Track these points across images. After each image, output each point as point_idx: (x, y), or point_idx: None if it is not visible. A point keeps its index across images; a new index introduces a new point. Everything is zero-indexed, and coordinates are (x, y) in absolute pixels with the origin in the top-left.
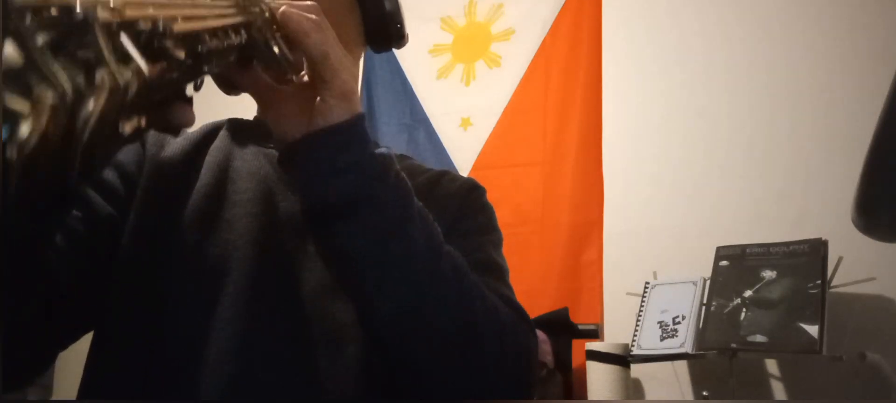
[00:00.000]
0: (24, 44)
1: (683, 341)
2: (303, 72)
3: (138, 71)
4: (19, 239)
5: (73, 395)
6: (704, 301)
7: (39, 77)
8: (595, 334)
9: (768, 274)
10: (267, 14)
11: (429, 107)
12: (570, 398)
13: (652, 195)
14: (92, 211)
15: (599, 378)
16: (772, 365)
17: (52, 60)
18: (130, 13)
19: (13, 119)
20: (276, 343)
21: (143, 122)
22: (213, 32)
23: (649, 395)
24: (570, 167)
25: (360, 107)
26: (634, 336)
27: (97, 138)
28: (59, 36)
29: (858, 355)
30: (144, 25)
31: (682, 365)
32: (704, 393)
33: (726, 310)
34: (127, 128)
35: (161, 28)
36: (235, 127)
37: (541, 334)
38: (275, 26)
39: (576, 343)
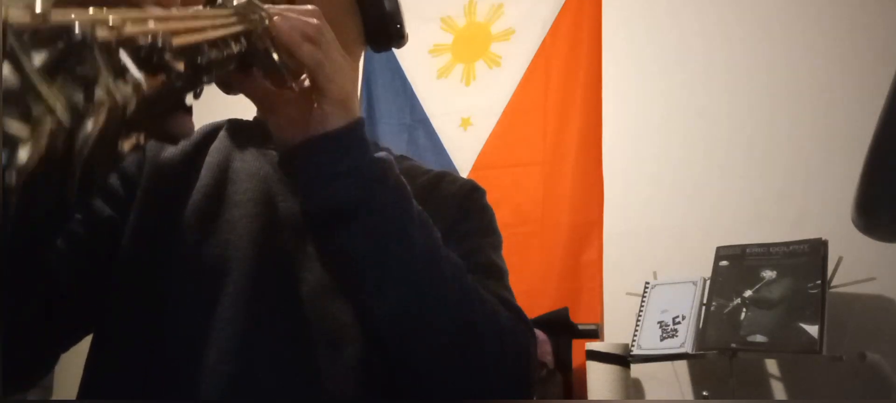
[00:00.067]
0: (20, 66)
1: (683, 341)
2: (303, 77)
3: (137, 87)
4: (19, 245)
5: (73, 395)
6: (704, 301)
7: (37, 100)
8: (595, 334)
9: (768, 274)
10: (267, 22)
11: (429, 107)
12: (570, 398)
13: (652, 195)
14: (92, 213)
15: (599, 378)
16: (772, 365)
17: (49, 83)
18: (130, 30)
19: (12, 143)
20: (275, 343)
21: (142, 139)
22: (213, 43)
23: (649, 395)
24: (570, 167)
25: (359, 112)
26: (634, 336)
27: (96, 156)
28: (58, 56)
29: (858, 355)
30: (144, 41)
31: (682, 365)
32: (704, 393)
33: (726, 310)
34: (126, 146)
35: (160, 43)
36: (235, 127)
37: (541, 334)
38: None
39: (576, 343)
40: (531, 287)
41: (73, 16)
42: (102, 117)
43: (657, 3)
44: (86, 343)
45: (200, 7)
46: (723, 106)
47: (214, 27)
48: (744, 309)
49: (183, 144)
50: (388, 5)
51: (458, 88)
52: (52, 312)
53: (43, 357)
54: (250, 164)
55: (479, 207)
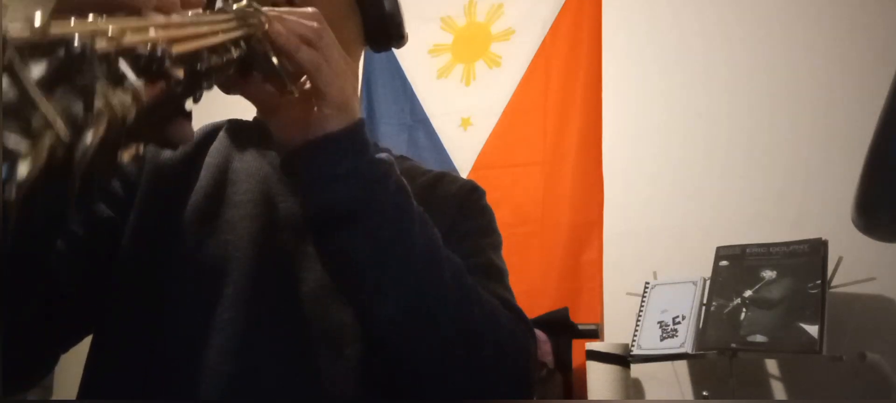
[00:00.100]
0: (19, 81)
1: (683, 341)
2: (303, 80)
3: (137, 96)
4: (19, 250)
5: (73, 395)
6: (704, 301)
7: (36, 114)
8: (595, 334)
9: (768, 274)
10: (266, 26)
11: (429, 107)
12: (570, 398)
13: (652, 195)
14: (91, 213)
15: (599, 378)
16: (772, 365)
17: (48, 96)
18: (129, 40)
19: (12, 158)
20: (275, 343)
21: (141, 149)
22: (213, 49)
23: (649, 395)
24: (570, 167)
25: (359, 114)
26: (634, 336)
27: (96, 166)
28: (58, 69)
29: (858, 355)
30: (143, 50)
31: (682, 365)
32: (704, 393)
33: (726, 310)
34: (125, 157)
35: (159, 53)
36: (235, 128)
37: (541, 334)
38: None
39: (576, 343)
40: (531, 287)
41: (72, 27)
42: (102, 128)
43: (657, 3)
44: (86, 344)
45: (200, 11)
46: (723, 106)
47: (214, 33)
48: (744, 309)
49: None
50: (388, 5)
51: (458, 88)
52: (51, 313)
53: (43, 358)
54: (250, 165)
55: (478, 208)
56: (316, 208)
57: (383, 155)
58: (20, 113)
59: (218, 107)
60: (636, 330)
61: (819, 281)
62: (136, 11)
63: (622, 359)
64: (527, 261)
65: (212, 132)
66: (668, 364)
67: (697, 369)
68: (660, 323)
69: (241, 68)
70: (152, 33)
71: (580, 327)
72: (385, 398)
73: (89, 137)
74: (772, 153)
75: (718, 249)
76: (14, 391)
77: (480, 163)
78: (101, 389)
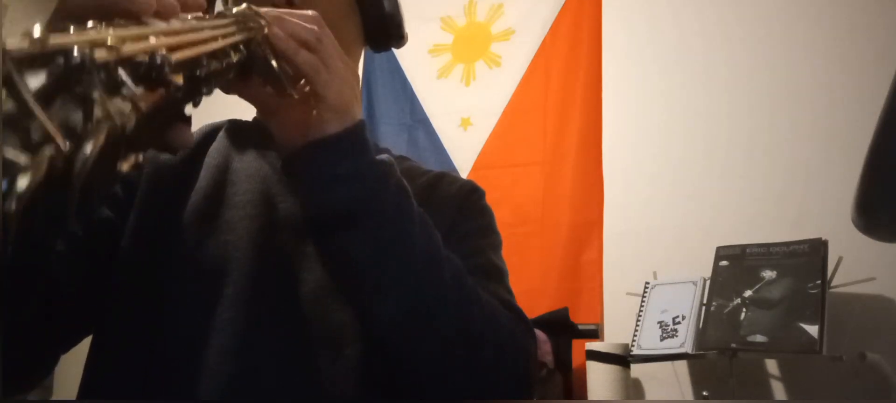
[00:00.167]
0: (18, 93)
1: (683, 341)
2: (303, 83)
3: (136, 104)
4: (19, 255)
5: (73, 395)
6: (704, 301)
7: (36, 127)
8: (595, 334)
9: (768, 274)
10: (266, 30)
11: (429, 107)
12: (570, 398)
13: (652, 195)
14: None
15: (599, 378)
16: (772, 365)
17: (47, 108)
18: (129, 49)
19: (11, 170)
20: (276, 343)
21: (141, 158)
22: (213, 54)
23: (649, 395)
24: (570, 167)
25: (359, 115)
26: (634, 336)
27: (95, 175)
28: (56, 80)
29: (858, 355)
30: (143, 58)
31: (682, 365)
32: (704, 393)
33: (726, 310)
34: (125, 166)
35: (159, 61)
36: (235, 128)
37: (541, 334)
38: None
39: (576, 343)
40: (531, 287)
41: (71, 37)
42: (101, 138)
43: (657, 3)
44: (86, 344)
45: (200, 15)
46: (723, 106)
47: (214, 38)
48: (744, 309)
49: None
50: (388, 5)
51: (458, 88)
52: (51, 313)
53: (43, 359)
54: (250, 165)
55: (478, 208)
56: (316, 209)
57: (383, 155)
58: (19, 125)
59: (218, 107)
60: (636, 330)
61: (819, 281)
62: (135, 17)
63: (622, 359)
64: (527, 261)
65: (211, 133)
66: (668, 364)
67: (697, 369)
68: (660, 323)
69: (240, 71)
70: (152, 41)
71: (580, 327)
72: (385, 398)
73: (89, 148)
74: (772, 153)
75: (718, 249)
76: (14, 391)
77: (480, 163)
78: (101, 389)
